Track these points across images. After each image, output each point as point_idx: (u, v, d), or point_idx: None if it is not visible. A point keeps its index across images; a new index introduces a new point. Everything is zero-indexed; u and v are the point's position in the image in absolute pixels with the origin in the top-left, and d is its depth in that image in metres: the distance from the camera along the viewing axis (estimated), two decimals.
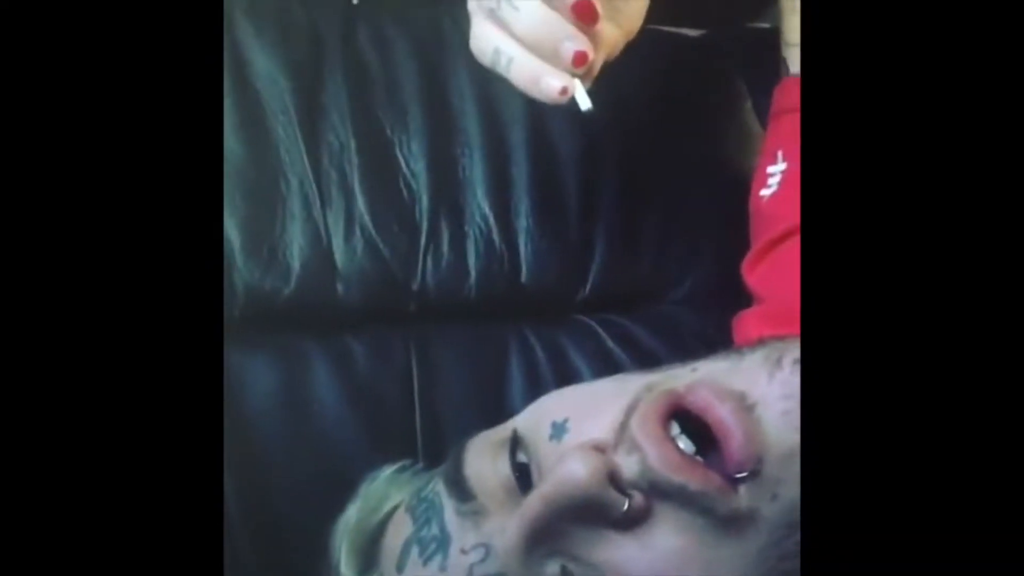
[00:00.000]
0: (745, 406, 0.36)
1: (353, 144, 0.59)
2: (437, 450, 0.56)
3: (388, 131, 0.60)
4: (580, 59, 0.41)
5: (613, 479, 0.36)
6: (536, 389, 0.59)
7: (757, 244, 0.59)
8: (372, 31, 0.62)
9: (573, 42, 0.41)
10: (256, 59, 0.58)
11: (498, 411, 0.58)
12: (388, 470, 0.49)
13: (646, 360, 0.61)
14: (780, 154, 0.59)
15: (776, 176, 0.59)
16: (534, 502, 0.36)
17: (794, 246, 0.56)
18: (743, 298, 0.61)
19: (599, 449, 0.37)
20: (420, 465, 0.52)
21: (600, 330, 0.63)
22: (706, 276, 0.67)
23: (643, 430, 0.37)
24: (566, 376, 0.60)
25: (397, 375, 0.58)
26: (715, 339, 0.57)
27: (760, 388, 0.37)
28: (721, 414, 0.36)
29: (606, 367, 0.60)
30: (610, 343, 0.62)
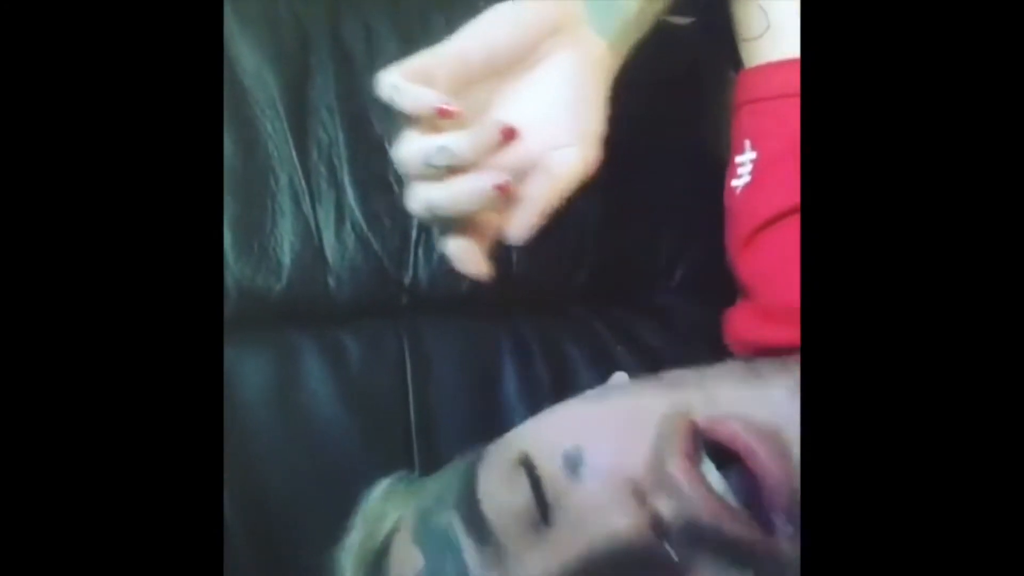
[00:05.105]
0: (782, 450, 0.35)
1: (342, 139, 0.59)
2: (432, 445, 0.56)
3: (377, 125, 0.60)
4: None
5: (655, 527, 0.35)
6: (530, 382, 0.59)
7: (739, 235, 0.59)
8: (359, 24, 0.62)
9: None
10: (243, 55, 0.58)
11: (492, 404, 0.58)
12: (384, 483, 0.48)
13: (642, 353, 0.61)
14: (748, 143, 0.59)
15: (747, 166, 0.59)
16: (571, 559, 0.35)
17: (778, 234, 0.55)
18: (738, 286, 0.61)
19: (637, 494, 0.36)
20: (415, 474, 0.50)
21: (594, 321, 0.63)
22: (701, 262, 0.67)
23: (682, 473, 0.36)
24: (561, 369, 0.60)
25: (390, 369, 0.58)
26: (712, 331, 0.56)
27: (794, 426, 0.35)
28: (765, 463, 0.35)
29: (600, 359, 0.60)
30: (605, 334, 0.62)
